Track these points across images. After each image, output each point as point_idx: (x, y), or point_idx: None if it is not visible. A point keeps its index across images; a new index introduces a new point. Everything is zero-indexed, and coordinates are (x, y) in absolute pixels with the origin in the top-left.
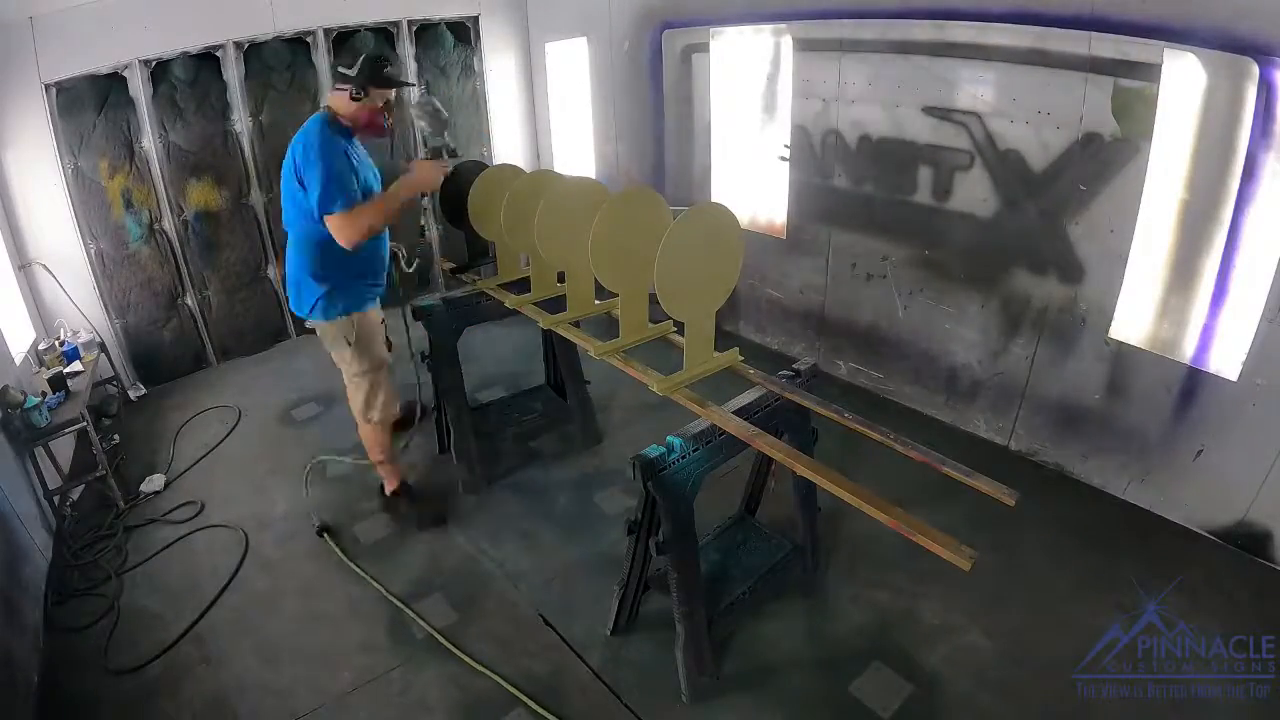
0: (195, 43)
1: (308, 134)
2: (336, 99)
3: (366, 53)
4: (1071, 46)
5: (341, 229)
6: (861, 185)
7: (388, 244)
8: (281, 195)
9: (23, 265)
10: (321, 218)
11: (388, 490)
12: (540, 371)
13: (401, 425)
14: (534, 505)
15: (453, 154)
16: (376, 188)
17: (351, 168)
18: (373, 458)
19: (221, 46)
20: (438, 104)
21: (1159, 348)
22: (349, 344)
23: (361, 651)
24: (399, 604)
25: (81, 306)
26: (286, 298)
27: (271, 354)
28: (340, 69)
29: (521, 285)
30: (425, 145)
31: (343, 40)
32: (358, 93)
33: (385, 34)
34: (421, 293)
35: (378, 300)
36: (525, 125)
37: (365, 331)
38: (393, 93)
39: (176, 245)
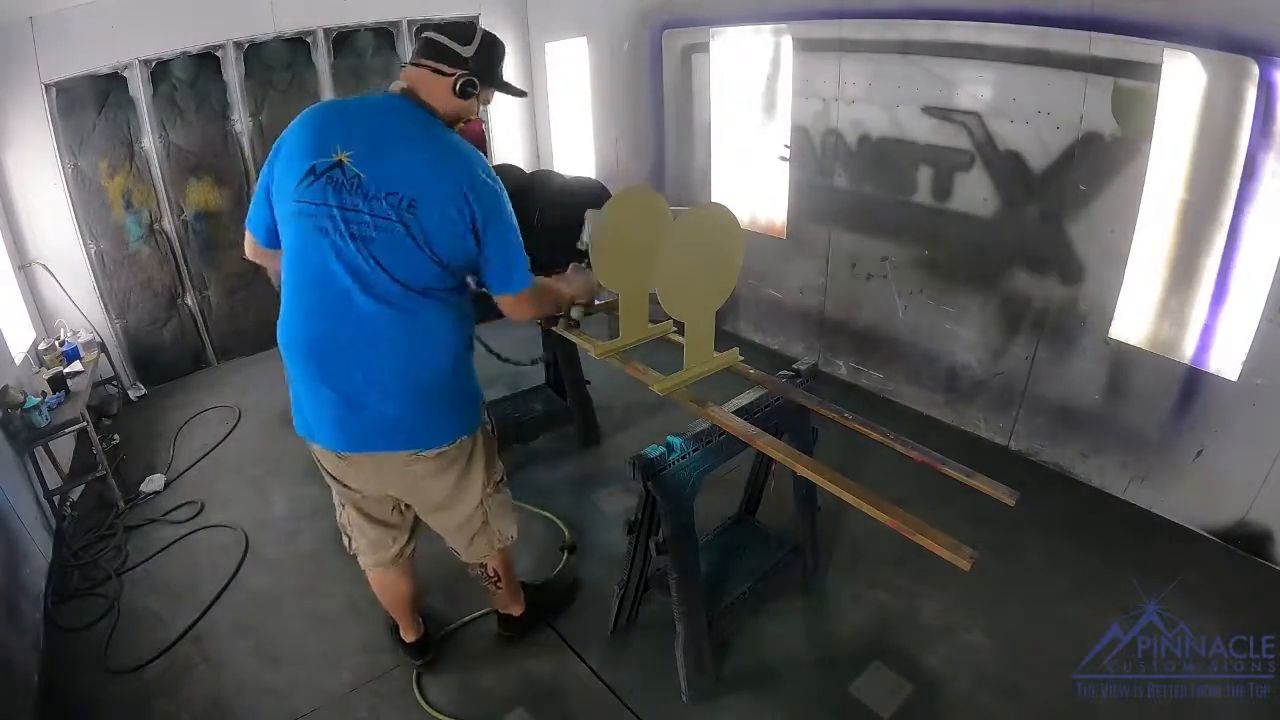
0: (195, 43)
1: (468, 150)
2: (433, 87)
3: (483, 31)
4: (1071, 46)
5: (529, 304)
6: (861, 185)
7: None
8: (363, 231)
9: (23, 265)
10: (506, 291)
11: (519, 611)
12: (540, 371)
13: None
14: (533, 505)
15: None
16: None
17: None
18: (509, 587)
19: (221, 46)
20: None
21: (1159, 348)
22: (487, 455)
23: (361, 651)
24: None
25: (81, 306)
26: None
27: (271, 354)
28: (442, 39)
29: None
30: (582, 251)
31: (343, 40)
32: (469, 87)
33: (385, 34)
34: None
35: None
36: (525, 125)
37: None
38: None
39: (176, 245)
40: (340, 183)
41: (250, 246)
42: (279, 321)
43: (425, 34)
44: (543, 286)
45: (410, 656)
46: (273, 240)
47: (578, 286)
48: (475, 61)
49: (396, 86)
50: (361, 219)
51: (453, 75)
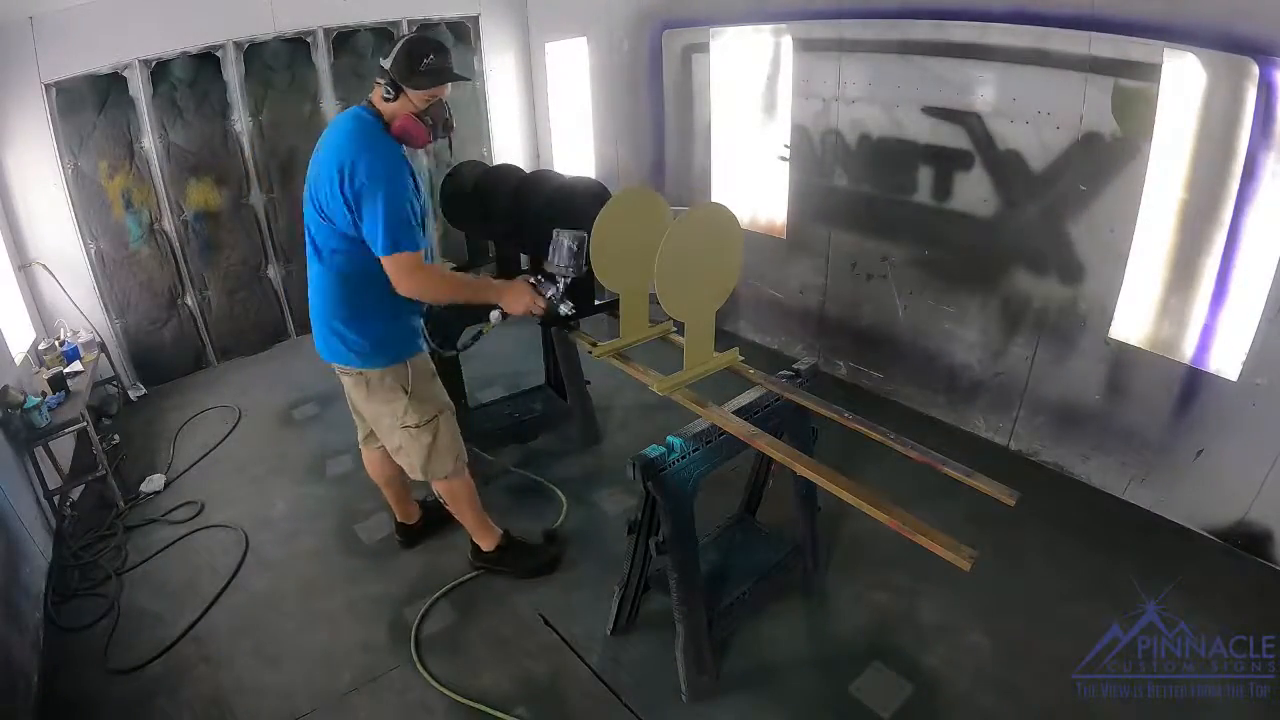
0: (195, 43)
1: (365, 141)
2: (376, 95)
3: (406, 38)
4: (1071, 46)
5: (408, 276)
6: (861, 185)
7: None
8: (306, 212)
9: (23, 265)
10: (377, 254)
11: (486, 546)
12: (540, 371)
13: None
14: (533, 505)
15: (562, 301)
16: (430, 217)
17: (415, 191)
18: (465, 518)
19: (221, 46)
20: (582, 245)
21: (1159, 348)
22: (405, 393)
23: (361, 651)
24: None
25: (81, 306)
26: (284, 302)
27: (271, 354)
28: (381, 58)
29: None
30: (545, 266)
31: (343, 40)
32: (388, 91)
33: (385, 34)
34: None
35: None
36: (525, 125)
37: (422, 374)
38: (445, 90)
39: (176, 245)
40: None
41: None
42: None
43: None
44: (438, 270)
45: (399, 537)
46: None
47: (510, 297)
48: (394, 70)
49: (366, 100)
50: (306, 195)
51: (380, 84)
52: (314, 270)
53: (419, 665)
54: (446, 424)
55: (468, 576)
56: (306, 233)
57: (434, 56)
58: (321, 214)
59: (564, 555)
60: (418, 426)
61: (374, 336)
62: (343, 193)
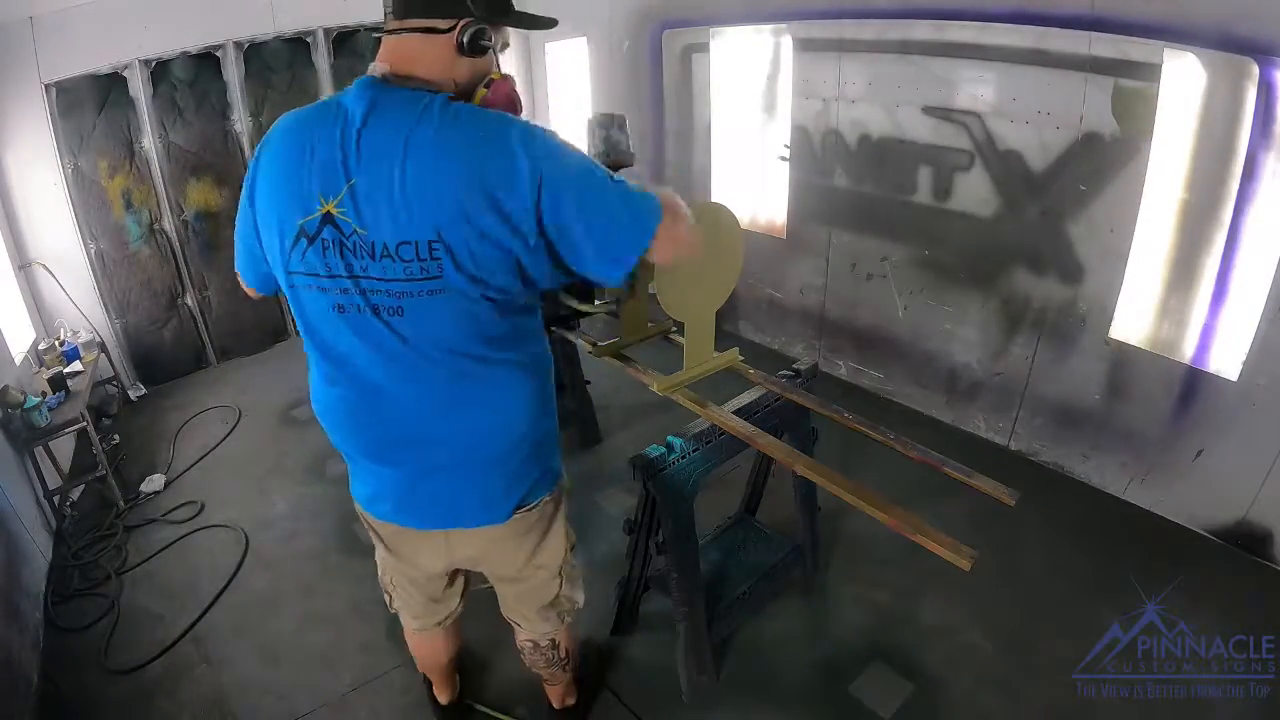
0: (195, 43)
1: (516, 133)
2: (426, 53)
3: None
4: (1071, 46)
5: (682, 237)
6: (861, 185)
7: None
8: (420, 323)
9: (23, 265)
10: (642, 248)
11: (573, 702)
12: None
13: None
14: None
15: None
16: None
17: None
18: (574, 670)
19: (221, 46)
20: (623, 130)
21: (1159, 348)
22: (566, 513)
23: (361, 651)
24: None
25: (81, 306)
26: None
27: (271, 354)
28: None
29: None
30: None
31: (343, 40)
32: (478, 38)
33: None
34: None
35: None
36: None
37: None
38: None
39: (176, 245)
40: (339, 244)
41: (247, 287)
42: (313, 396)
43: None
44: (669, 194)
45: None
46: (272, 287)
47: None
48: (479, 5)
49: (376, 69)
50: (378, 288)
51: (451, 29)
52: (459, 390)
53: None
54: None
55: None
56: (384, 350)
57: None
58: (476, 283)
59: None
60: (571, 551)
61: (552, 445)
62: (516, 217)
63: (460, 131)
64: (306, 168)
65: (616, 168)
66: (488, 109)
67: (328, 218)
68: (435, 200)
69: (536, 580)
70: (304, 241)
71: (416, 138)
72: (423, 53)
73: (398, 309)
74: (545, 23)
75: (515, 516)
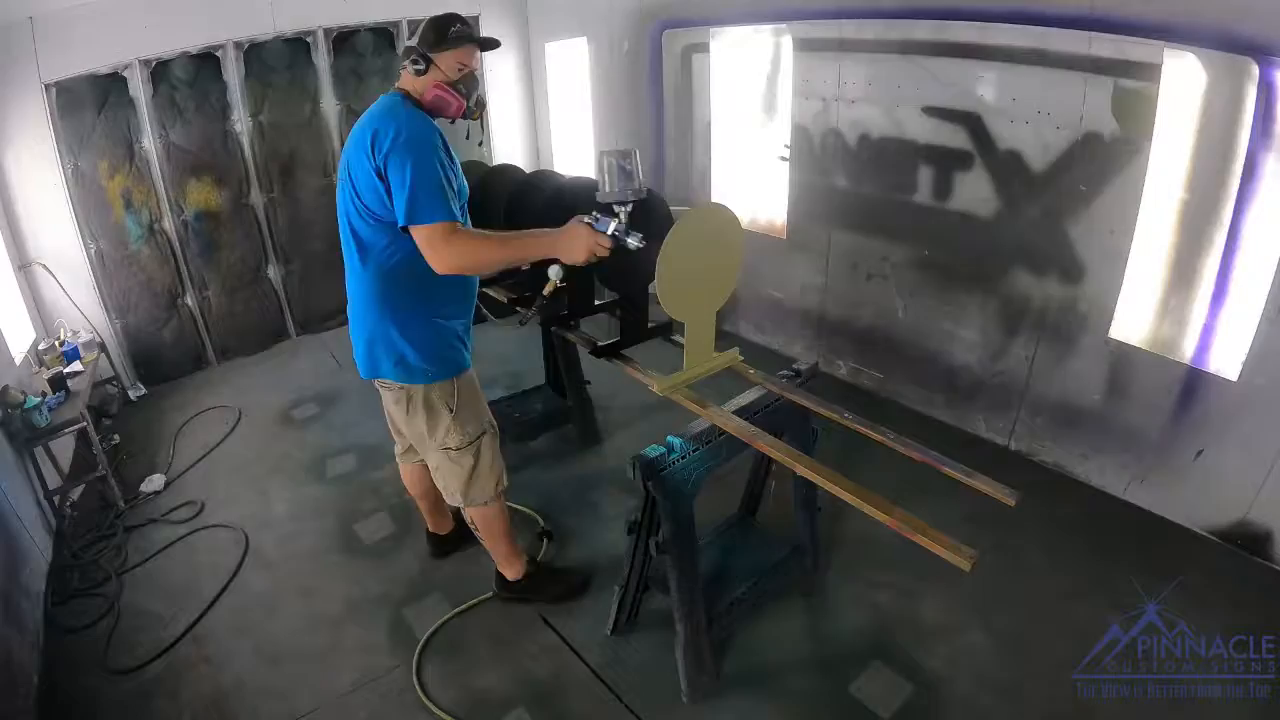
0: (195, 43)
1: (395, 110)
2: (404, 77)
3: (431, 16)
4: (1071, 46)
5: (444, 244)
6: (861, 185)
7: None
8: (341, 208)
9: (23, 265)
10: (406, 227)
11: (512, 575)
12: (540, 371)
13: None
14: (533, 505)
15: (629, 234)
16: (466, 198)
17: (450, 162)
18: (495, 548)
19: (221, 46)
20: (633, 163)
21: (1159, 348)
22: (450, 411)
23: (361, 651)
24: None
25: (81, 306)
26: (284, 302)
27: (271, 354)
28: (408, 43)
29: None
30: (598, 198)
31: (343, 40)
32: (419, 62)
33: (385, 34)
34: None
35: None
36: (525, 125)
37: (468, 392)
38: (474, 59)
39: (176, 245)
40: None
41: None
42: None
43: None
44: (474, 233)
45: (430, 547)
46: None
47: (565, 243)
48: (421, 43)
49: (394, 86)
50: (340, 187)
51: (407, 67)
52: (354, 274)
53: (421, 694)
54: (489, 446)
55: (484, 597)
56: (343, 234)
57: (460, 25)
58: (356, 198)
59: (591, 580)
60: (459, 449)
61: (419, 346)
62: (374, 162)
63: (373, 112)
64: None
65: (626, 203)
66: (419, 106)
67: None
68: (352, 141)
69: (425, 450)
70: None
71: (371, 111)
72: (403, 76)
73: (342, 200)
74: (479, 39)
75: (377, 382)
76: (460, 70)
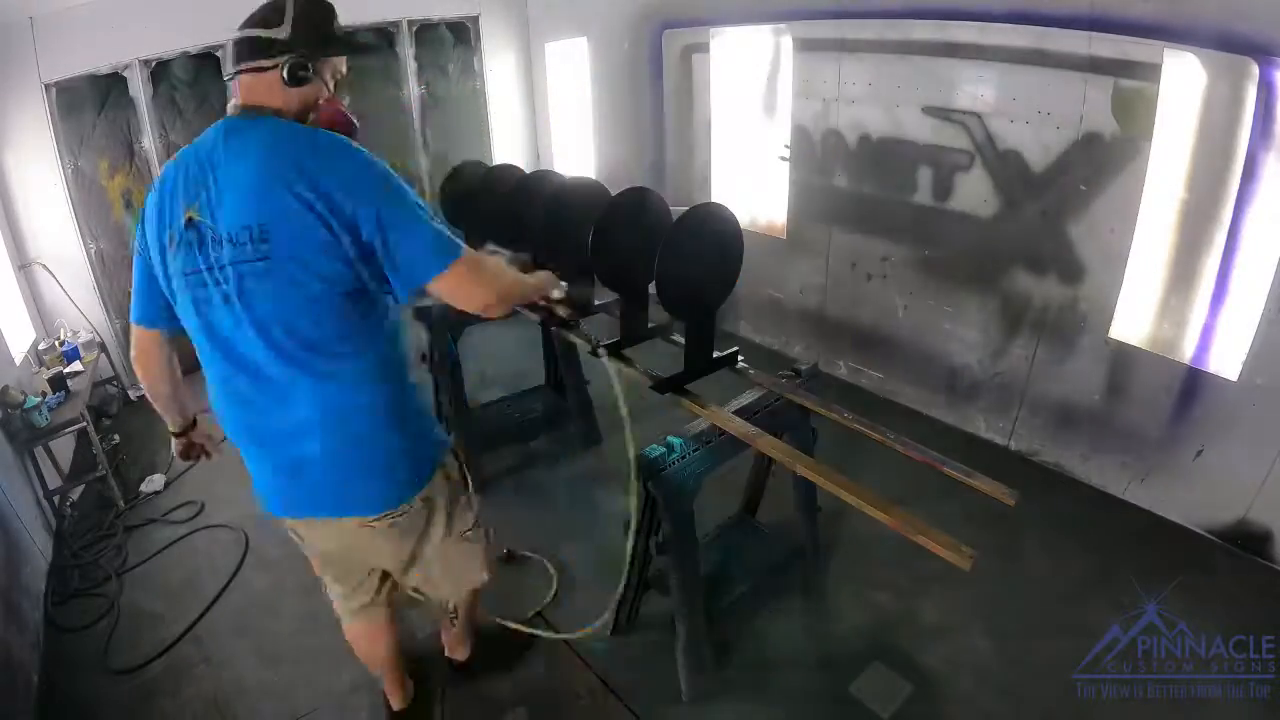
0: (195, 43)
1: (307, 147)
2: (258, 87)
3: (302, 2)
4: (1071, 46)
5: (480, 273)
6: (861, 185)
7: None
8: (254, 320)
9: (23, 265)
10: (433, 275)
11: (460, 658)
12: (540, 371)
13: None
14: (533, 505)
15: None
16: None
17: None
18: (463, 629)
19: (221, 46)
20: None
21: (1159, 348)
22: (461, 481)
23: None
24: None
25: (81, 306)
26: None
27: None
28: (251, 32)
29: None
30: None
31: None
32: (297, 70)
33: (385, 34)
34: None
35: None
36: (525, 125)
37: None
38: (344, 66)
39: None
40: (197, 241)
41: (141, 344)
42: (210, 397)
43: (235, 35)
44: (491, 262)
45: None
46: (171, 321)
47: (542, 279)
48: (295, 38)
49: (231, 106)
50: (228, 273)
51: (274, 65)
52: (319, 392)
53: None
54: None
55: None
56: (272, 351)
57: (338, 19)
58: (317, 280)
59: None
60: (476, 521)
61: (418, 434)
62: (334, 219)
63: (269, 146)
64: (177, 188)
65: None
66: (315, 127)
67: (190, 222)
68: (253, 196)
69: (429, 561)
70: (171, 247)
71: (252, 147)
72: (256, 87)
73: (248, 290)
74: (361, 47)
75: (380, 517)
76: (334, 80)
